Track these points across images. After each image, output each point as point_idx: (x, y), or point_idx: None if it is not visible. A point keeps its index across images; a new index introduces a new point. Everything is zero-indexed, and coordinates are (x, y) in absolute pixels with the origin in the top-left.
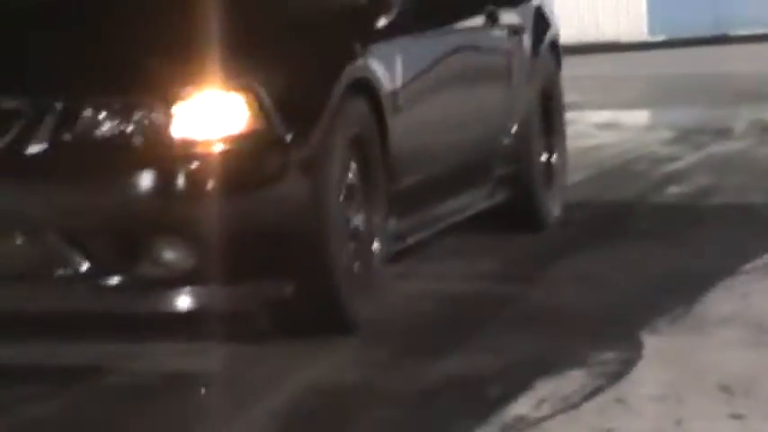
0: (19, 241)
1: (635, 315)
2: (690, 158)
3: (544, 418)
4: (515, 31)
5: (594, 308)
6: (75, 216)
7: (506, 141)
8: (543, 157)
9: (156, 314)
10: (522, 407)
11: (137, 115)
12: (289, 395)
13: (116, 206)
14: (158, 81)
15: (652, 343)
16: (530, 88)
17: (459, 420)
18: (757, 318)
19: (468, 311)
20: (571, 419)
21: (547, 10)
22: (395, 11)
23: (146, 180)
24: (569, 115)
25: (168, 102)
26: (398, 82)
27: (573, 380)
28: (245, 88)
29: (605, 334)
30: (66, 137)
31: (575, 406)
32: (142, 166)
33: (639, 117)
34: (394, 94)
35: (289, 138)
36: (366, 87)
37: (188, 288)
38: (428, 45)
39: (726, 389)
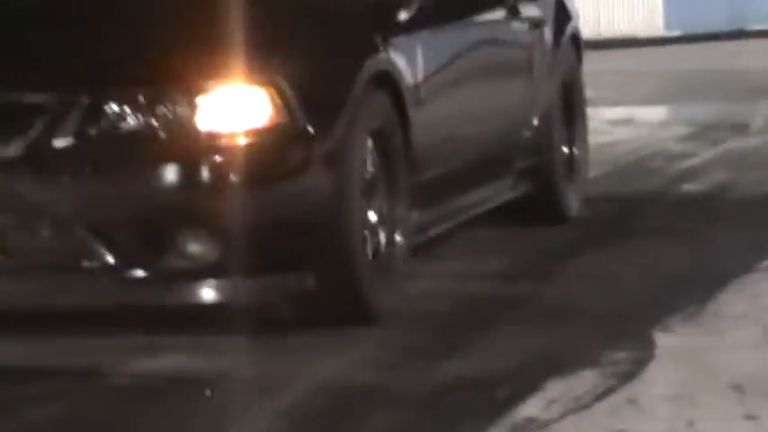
0: (45, 234)
1: (647, 314)
2: (705, 155)
3: (555, 420)
4: (536, 23)
5: (607, 306)
6: (100, 209)
7: (527, 134)
8: (564, 150)
9: (180, 306)
10: (532, 408)
11: (161, 109)
12: (297, 396)
13: (141, 199)
14: (182, 74)
15: (664, 342)
16: (551, 81)
17: (468, 421)
18: None
19: (481, 310)
20: (582, 420)
21: (567, 2)
22: (416, 4)
23: (170, 173)
24: None
25: (192, 95)
26: (420, 75)
27: (584, 380)
28: (268, 82)
29: (617, 333)
30: (92, 131)
31: (586, 406)
32: (167, 158)
33: (655, 113)
34: (415, 87)
35: (311, 131)
36: (388, 80)
37: (212, 280)
38: (449, 38)
39: (739, 389)
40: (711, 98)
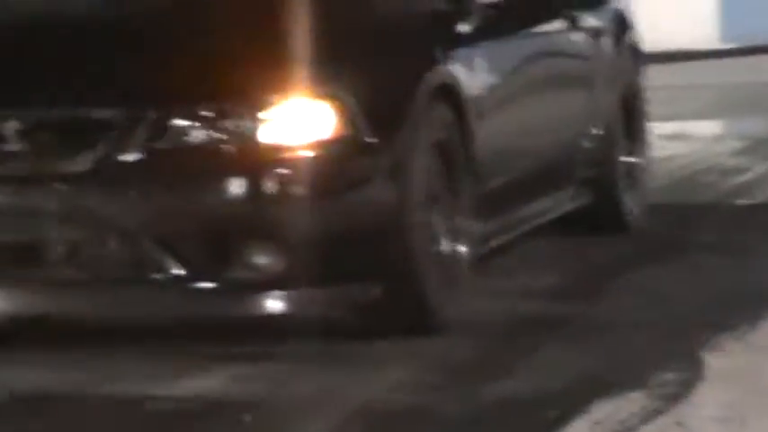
0: (113, 247)
1: (697, 332)
2: (759, 169)
3: None
4: (595, 34)
5: (656, 325)
6: (167, 221)
7: (588, 144)
8: (625, 160)
9: (247, 317)
10: (577, 430)
11: (226, 122)
12: (335, 419)
13: (208, 211)
14: (247, 89)
15: (714, 362)
16: (611, 91)
17: None
18: None
19: (530, 328)
20: None
21: (626, 12)
22: (476, 16)
23: (236, 185)
24: None
25: (257, 109)
26: (481, 86)
27: (631, 401)
28: (332, 96)
29: (666, 353)
30: (158, 145)
31: (632, 429)
32: (232, 171)
33: (708, 127)
34: (477, 98)
35: (375, 143)
36: (449, 92)
37: (278, 291)
38: (509, 50)
39: None
40: (766, 112)
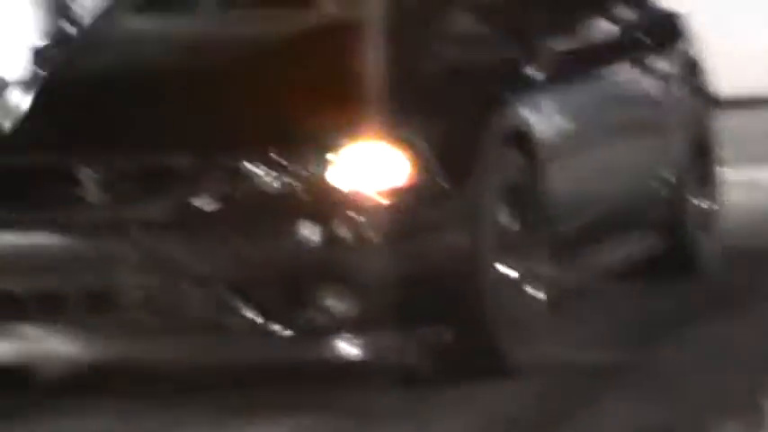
0: (188, 292)
1: (763, 384)
2: None
3: None
4: (666, 77)
5: (721, 375)
6: (241, 267)
7: (660, 188)
8: (697, 205)
9: (321, 361)
10: None
11: (298, 167)
12: None
13: (281, 256)
14: (320, 134)
15: None
16: (682, 135)
17: None
18: None
19: (592, 378)
20: None
21: (698, 56)
22: (545, 60)
23: (309, 230)
24: None
25: (330, 153)
26: (552, 131)
27: None
28: (406, 141)
29: (731, 407)
30: (230, 191)
31: None
32: (305, 216)
33: None
34: (548, 143)
35: (447, 188)
36: (521, 137)
37: (352, 336)
38: (580, 94)
39: None
40: None
